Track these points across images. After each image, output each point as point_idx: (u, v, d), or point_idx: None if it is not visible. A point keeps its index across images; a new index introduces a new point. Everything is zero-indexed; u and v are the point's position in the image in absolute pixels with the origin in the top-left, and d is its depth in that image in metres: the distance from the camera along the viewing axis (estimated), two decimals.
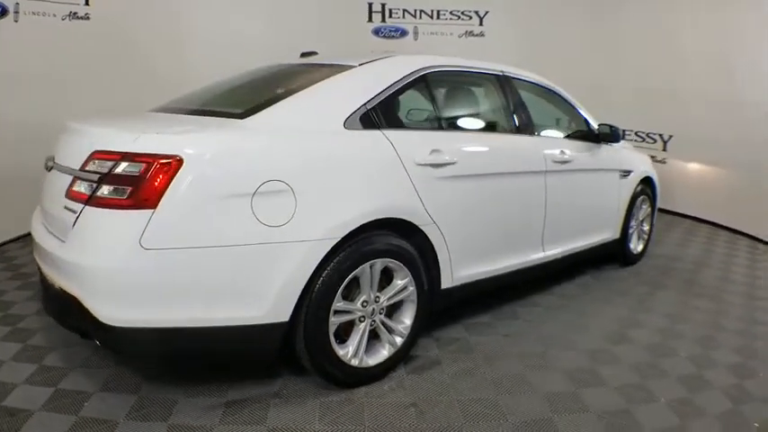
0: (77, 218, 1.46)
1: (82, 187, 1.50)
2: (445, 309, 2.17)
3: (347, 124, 1.72)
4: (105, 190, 1.43)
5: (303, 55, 2.49)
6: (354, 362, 1.72)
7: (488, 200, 2.11)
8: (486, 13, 4.86)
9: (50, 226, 1.68)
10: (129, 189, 1.39)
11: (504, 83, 2.37)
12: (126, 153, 1.42)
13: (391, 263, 1.76)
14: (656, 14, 4.50)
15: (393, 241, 1.75)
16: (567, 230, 2.58)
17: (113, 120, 1.78)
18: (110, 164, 1.44)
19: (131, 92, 3.42)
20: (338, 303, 1.65)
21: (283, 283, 1.51)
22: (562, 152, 2.46)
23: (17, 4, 3.27)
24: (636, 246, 3.23)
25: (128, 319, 1.41)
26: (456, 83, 2.33)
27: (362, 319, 1.74)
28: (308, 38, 3.70)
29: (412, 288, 1.83)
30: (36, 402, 1.62)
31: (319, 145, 1.65)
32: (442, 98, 2.12)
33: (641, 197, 3.15)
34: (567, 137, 2.68)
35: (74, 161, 1.55)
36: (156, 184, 1.38)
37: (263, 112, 1.63)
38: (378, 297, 1.77)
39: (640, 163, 3.17)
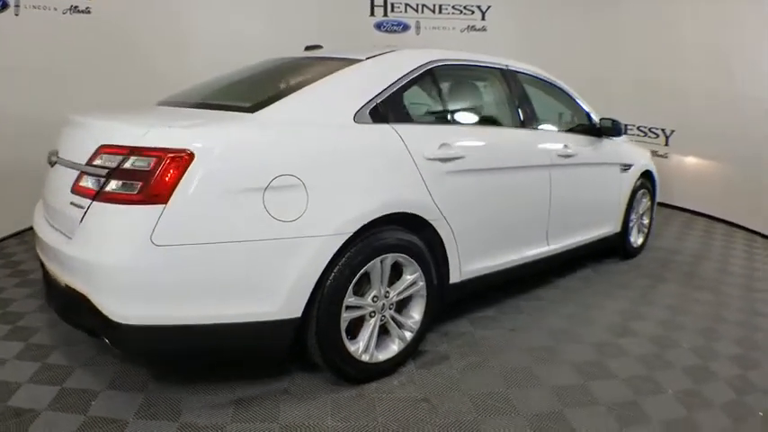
0: (85, 214, 1.43)
1: (89, 182, 1.47)
2: (452, 303, 2.17)
3: (357, 118, 1.70)
4: (114, 185, 1.40)
5: (308, 48, 2.47)
6: (365, 357, 1.71)
7: (495, 194, 2.11)
8: (489, 7, 4.85)
9: (55, 222, 1.65)
10: (140, 184, 1.36)
11: (508, 77, 2.37)
12: (135, 147, 1.39)
13: (401, 258, 1.75)
14: (657, 7, 4.50)
15: (403, 236, 1.74)
16: (571, 224, 2.59)
17: (119, 113, 1.74)
18: (118, 158, 1.40)
19: (132, 86, 3.40)
20: (350, 299, 1.64)
21: (296, 278, 1.49)
22: (566, 146, 2.47)
23: None
24: (636, 239, 3.26)
25: (138, 317, 1.38)
26: (462, 77, 2.32)
27: (373, 314, 1.74)
28: (310, 32, 3.67)
29: (422, 283, 1.83)
30: (42, 402, 1.59)
31: (330, 139, 1.63)
32: (448, 92, 2.11)
33: (641, 191, 3.18)
34: (570, 131, 2.68)
35: (79, 156, 1.52)
36: (167, 178, 1.35)
37: (273, 105, 1.61)
38: (388, 292, 1.76)
39: (640, 157, 3.19)
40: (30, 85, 3.26)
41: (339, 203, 1.56)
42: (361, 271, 1.64)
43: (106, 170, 1.41)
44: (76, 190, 1.49)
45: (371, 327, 1.73)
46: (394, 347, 1.80)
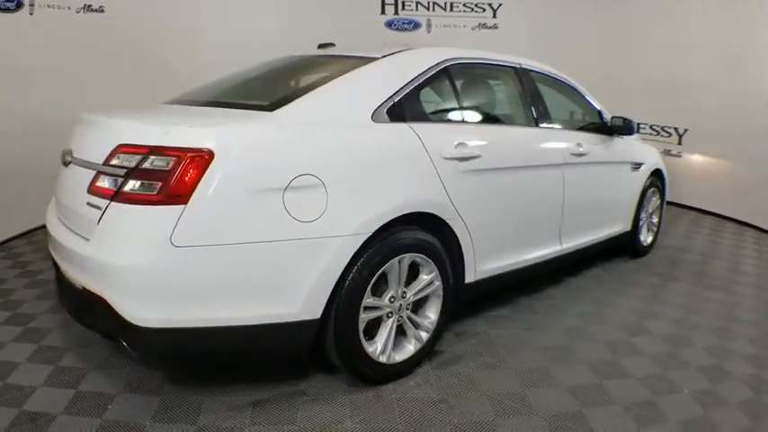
0: (102, 214, 1.42)
1: (106, 182, 1.45)
2: (466, 303, 2.16)
3: (374, 117, 1.69)
4: (133, 185, 1.38)
5: (320, 46, 2.45)
6: (382, 358, 1.70)
7: (510, 193, 2.10)
8: (500, 5, 4.82)
9: (69, 222, 1.63)
10: (159, 184, 1.35)
11: (522, 75, 2.36)
12: (155, 147, 1.37)
13: (419, 257, 1.74)
14: (670, 5, 4.46)
15: (420, 236, 1.73)
16: (583, 223, 2.58)
17: (136, 112, 1.73)
18: (137, 158, 1.39)
19: (145, 84, 3.39)
20: (368, 299, 1.63)
21: (316, 279, 1.48)
22: (578, 145, 2.46)
23: None
24: (646, 238, 3.26)
25: (157, 320, 1.37)
26: (477, 75, 2.31)
27: (390, 314, 1.73)
28: (322, 30, 3.66)
29: (438, 283, 1.82)
30: (57, 406, 1.57)
31: (349, 138, 1.62)
32: (463, 91, 2.09)
33: (651, 189, 3.17)
34: (582, 129, 2.67)
35: (95, 155, 1.50)
36: (187, 178, 1.34)
37: (292, 104, 1.59)
38: (404, 292, 1.75)
39: (650, 155, 3.18)
40: (43, 84, 3.26)
41: (359, 203, 1.55)
42: (380, 271, 1.63)
43: (124, 170, 1.40)
44: (93, 190, 1.47)
45: (389, 327, 1.72)
46: (410, 348, 1.80)
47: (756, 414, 1.70)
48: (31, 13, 3.25)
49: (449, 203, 1.80)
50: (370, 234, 1.56)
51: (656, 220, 3.36)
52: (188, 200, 1.34)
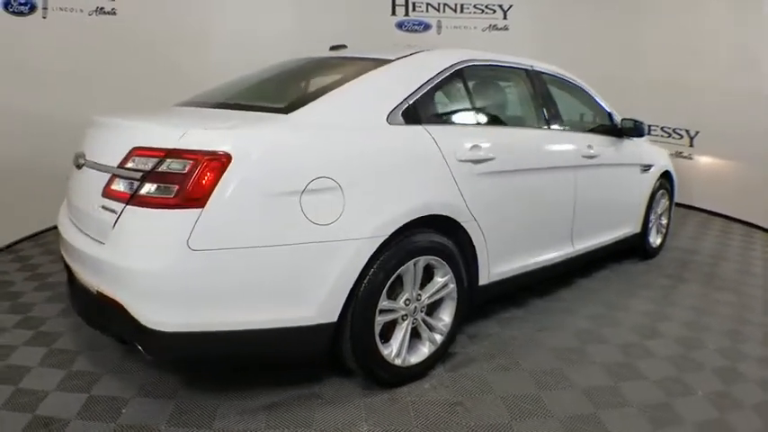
0: (118, 218, 1.41)
1: (121, 185, 1.44)
2: (479, 305, 2.16)
3: (390, 119, 1.69)
4: (149, 188, 1.38)
5: (332, 48, 2.45)
6: (398, 361, 1.70)
7: (523, 195, 2.10)
8: (510, 6, 4.82)
9: (83, 225, 1.63)
10: (176, 187, 1.34)
11: (533, 77, 2.36)
12: (172, 150, 1.37)
13: (434, 260, 1.74)
14: (682, 7, 4.44)
15: (435, 238, 1.73)
16: (594, 225, 2.58)
17: (150, 115, 1.73)
18: (153, 161, 1.39)
19: (157, 86, 3.41)
20: (383, 302, 1.63)
21: (333, 282, 1.48)
22: (589, 147, 2.46)
23: (45, 0, 3.28)
24: (655, 239, 3.25)
25: (174, 324, 1.37)
26: (489, 77, 2.31)
27: (405, 317, 1.73)
28: (332, 31, 3.67)
29: (452, 285, 1.82)
30: (70, 411, 1.56)
31: (366, 141, 1.62)
32: (477, 93, 2.09)
33: (660, 191, 3.16)
34: (592, 131, 2.67)
35: (109, 158, 1.50)
36: (205, 182, 1.34)
37: (307, 106, 1.59)
38: (419, 295, 1.75)
39: (660, 157, 3.18)
40: (55, 87, 3.28)
41: (375, 206, 1.55)
42: (395, 274, 1.63)
43: (140, 173, 1.39)
44: (108, 193, 1.47)
45: (404, 330, 1.72)
46: (425, 350, 1.80)
47: None
48: (44, 17, 3.27)
49: (464, 206, 1.80)
50: (387, 237, 1.56)
51: (665, 221, 3.36)
52: (205, 203, 1.33)
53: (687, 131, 4.61)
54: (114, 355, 1.88)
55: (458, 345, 2.02)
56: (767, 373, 1.95)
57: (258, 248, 1.39)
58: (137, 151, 1.43)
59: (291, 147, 1.47)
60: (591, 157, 2.44)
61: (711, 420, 1.66)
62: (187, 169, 1.35)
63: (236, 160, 1.36)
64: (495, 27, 4.82)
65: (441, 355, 1.86)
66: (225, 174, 1.34)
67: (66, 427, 1.49)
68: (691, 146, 4.60)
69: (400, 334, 1.71)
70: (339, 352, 1.62)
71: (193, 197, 1.33)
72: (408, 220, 1.61)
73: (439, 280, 1.79)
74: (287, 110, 1.59)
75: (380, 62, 1.85)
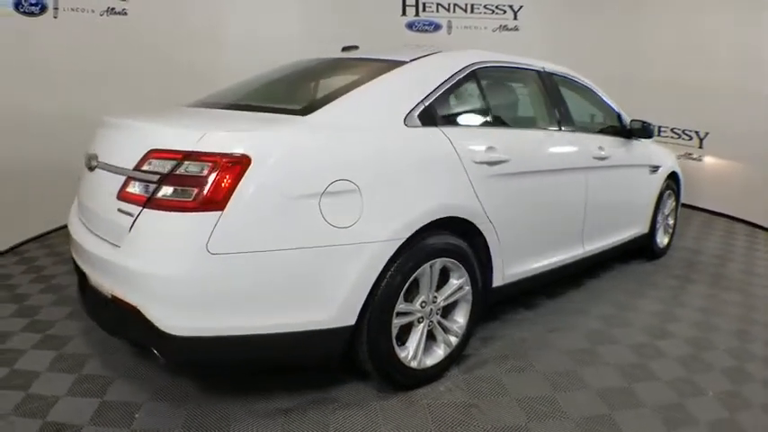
0: (135, 221, 1.40)
1: (137, 188, 1.43)
2: (490, 307, 2.16)
3: (407, 121, 1.68)
4: (167, 191, 1.36)
5: (344, 49, 2.44)
6: (413, 364, 1.70)
7: (536, 197, 2.10)
8: (521, 7, 4.81)
9: (97, 228, 1.61)
10: (195, 190, 1.33)
11: (545, 78, 2.36)
12: (190, 152, 1.35)
13: (450, 262, 1.74)
14: (694, 8, 4.42)
15: (451, 240, 1.73)
16: (605, 226, 2.59)
17: (165, 116, 1.71)
18: (171, 163, 1.37)
19: (168, 87, 3.40)
20: (400, 305, 1.62)
21: (351, 285, 1.47)
22: (600, 148, 2.46)
23: (57, 0, 3.26)
24: (662, 240, 3.27)
25: (192, 328, 1.36)
26: (502, 79, 2.31)
27: (421, 320, 1.72)
28: (342, 32, 3.66)
29: (468, 287, 1.82)
30: (83, 416, 1.54)
31: (383, 142, 1.61)
32: (490, 94, 2.09)
33: (667, 192, 3.18)
34: (602, 132, 2.68)
35: (124, 160, 1.48)
36: (224, 184, 1.32)
37: (325, 108, 1.58)
38: (435, 297, 1.75)
39: (667, 158, 3.19)
40: (65, 87, 3.27)
41: (393, 208, 1.54)
42: (412, 276, 1.62)
43: (157, 176, 1.38)
44: (123, 196, 1.45)
45: (420, 332, 1.72)
46: (440, 353, 1.79)
47: None
48: (55, 17, 3.26)
49: (479, 208, 1.80)
50: (405, 239, 1.55)
51: (671, 222, 3.38)
52: (225, 206, 1.32)
53: (697, 133, 4.59)
54: (126, 358, 1.86)
55: (470, 347, 2.02)
56: None
57: (278, 252, 1.38)
58: (153, 153, 1.41)
59: (310, 149, 1.46)
60: (602, 158, 2.44)
61: (723, 420, 1.67)
62: (206, 172, 1.33)
63: (255, 163, 1.35)
64: (505, 27, 4.81)
65: (455, 358, 1.86)
66: (245, 176, 1.33)
67: None
68: (700, 147, 4.60)
69: (416, 336, 1.71)
70: (356, 355, 1.61)
71: (213, 200, 1.32)
72: (426, 222, 1.60)
73: (454, 282, 1.79)
74: (304, 111, 1.58)
75: (396, 64, 1.84)
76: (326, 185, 1.42)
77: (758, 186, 4.14)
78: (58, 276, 2.67)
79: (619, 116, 2.79)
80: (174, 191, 1.36)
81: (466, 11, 4.78)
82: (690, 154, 4.58)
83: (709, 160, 4.55)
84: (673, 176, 3.23)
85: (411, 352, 1.69)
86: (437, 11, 4.75)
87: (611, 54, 4.65)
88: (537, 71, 2.35)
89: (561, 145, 2.31)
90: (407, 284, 1.62)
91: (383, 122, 1.65)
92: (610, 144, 2.57)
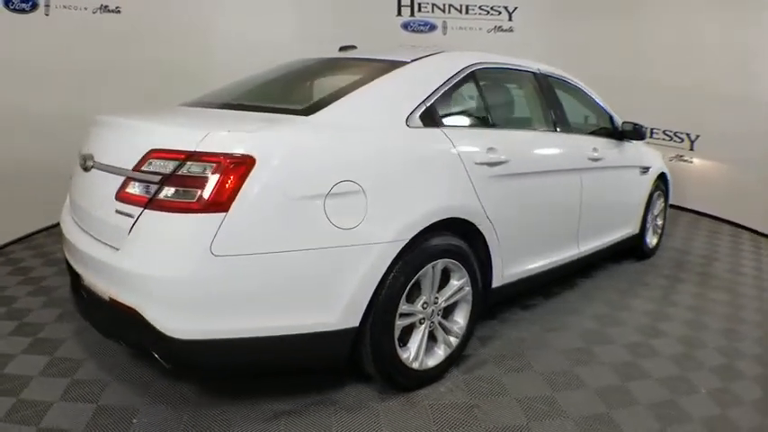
0: (135, 223, 1.37)
1: (137, 189, 1.40)
2: (489, 307, 2.18)
3: (409, 122, 1.68)
4: (169, 192, 1.33)
5: (342, 49, 2.42)
6: (415, 365, 1.70)
7: (534, 198, 2.12)
8: (516, 8, 4.84)
9: (93, 230, 1.57)
10: (198, 191, 1.30)
11: (540, 80, 2.39)
12: (193, 152, 1.33)
13: (451, 263, 1.74)
14: (686, 10, 4.47)
15: (453, 241, 1.73)
16: (598, 226, 2.63)
17: (166, 115, 1.68)
18: (173, 164, 1.34)
19: (161, 86, 3.35)
20: (403, 306, 1.62)
21: (356, 287, 1.47)
22: (594, 149, 2.50)
23: None
24: (651, 240, 3.33)
25: (195, 331, 1.33)
26: (500, 80, 2.32)
27: (422, 321, 1.73)
28: (337, 32, 3.67)
29: (468, 288, 1.83)
30: (78, 422, 1.50)
31: (387, 143, 1.60)
32: (489, 95, 2.10)
33: (657, 192, 3.24)
34: (594, 134, 2.72)
35: (123, 160, 1.44)
36: (228, 185, 1.30)
37: (328, 108, 1.57)
38: (436, 298, 1.75)
39: (655, 159, 3.25)
40: (56, 86, 3.20)
41: (397, 209, 1.54)
42: (415, 277, 1.62)
43: (159, 176, 1.35)
44: (122, 197, 1.42)
45: (421, 334, 1.72)
46: (441, 353, 1.80)
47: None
48: (47, 14, 3.20)
49: (480, 209, 1.81)
50: (408, 240, 1.55)
51: (660, 222, 3.44)
52: (229, 207, 1.30)
53: (688, 135, 4.65)
54: (121, 361, 1.82)
55: (469, 347, 2.02)
56: (762, 371, 2.02)
57: (282, 254, 1.36)
58: (154, 153, 1.38)
59: (314, 149, 1.45)
60: (596, 159, 2.48)
61: (715, 416, 1.71)
62: (210, 172, 1.31)
63: (260, 163, 1.33)
64: (500, 28, 4.84)
65: (455, 358, 1.87)
66: (249, 177, 1.31)
67: None
68: (691, 149, 4.66)
69: (418, 337, 1.71)
70: (359, 357, 1.61)
71: (217, 201, 1.30)
72: (429, 222, 1.60)
73: (455, 283, 1.80)
74: (307, 111, 1.56)
75: (397, 64, 1.83)
76: (331, 186, 1.41)
77: (746, 188, 4.22)
78: (48, 278, 2.60)
79: (611, 118, 2.83)
80: (176, 192, 1.33)
81: (461, 11, 4.80)
82: (681, 156, 4.65)
83: (699, 162, 4.61)
84: (662, 177, 3.29)
85: (413, 353, 1.69)
86: (432, 11, 4.77)
87: (604, 56, 4.70)
88: (533, 72, 2.38)
89: (558, 146, 2.34)
90: (410, 285, 1.62)
91: (386, 123, 1.64)
92: (603, 145, 2.61)
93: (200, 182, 1.31)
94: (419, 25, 4.73)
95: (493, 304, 2.15)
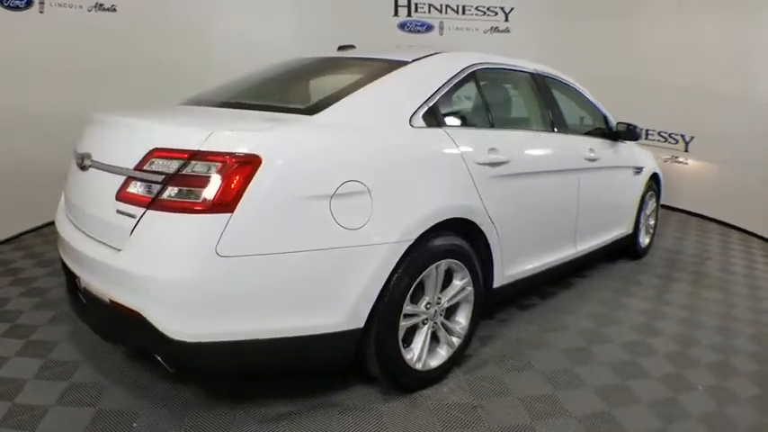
0: (137, 223, 1.34)
1: (139, 189, 1.37)
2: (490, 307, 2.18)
3: (412, 122, 1.68)
4: (173, 192, 1.31)
5: (341, 48, 2.41)
6: (418, 365, 1.70)
7: (534, 198, 2.14)
8: (512, 9, 4.86)
9: (92, 231, 1.53)
10: (203, 191, 1.28)
11: (538, 80, 2.40)
12: (197, 152, 1.31)
13: (454, 263, 1.74)
14: (682, 12, 4.49)
15: (456, 241, 1.73)
16: (594, 226, 2.66)
17: (167, 114, 1.65)
18: (176, 163, 1.32)
19: (157, 84, 3.31)
20: (407, 307, 1.62)
21: (362, 287, 1.46)
22: (591, 150, 2.52)
23: None
24: (644, 240, 3.37)
25: (200, 334, 1.31)
26: (499, 80, 2.33)
27: (426, 321, 1.72)
28: (334, 31, 3.66)
29: (470, 288, 1.83)
30: (76, 427, 1.47)
31: (391, 143, 1.60)
32: (489, 96, 2.10)
33: (649, 193, 3.28)
34: (590, 134, 2.75)
35: (124, 159, 1.41)
36: (233, 185, 1.28)
37: (332, 108, 1.55)
38: (439, 299, 1.75)
39: (648, 160, 3.30)
40: (52, 84, 3.15)
41: (402, 209, 1.53)
42: (419, 278, 1.62)
43: (162, 176, 1.32)
44: (123, 197, 1.39)
45: (424, 334, 1.72)
46: (443, 354, 1.80)
47: (764, 409, 1.79)
48: (41, 11, 3.14)
49: (482, 209, 1.81)
50: (413, 241, 1.55)
51: (652, 222, 3.49)
52: (234, 208, 1.28)
53: (683, 136, 4.67)
54: (118, 363, 1.79)
55: (470, 347, 2.03)
56: (757, 367, 2.06)
57: (289, 254, 1.35)
58: (157, 153, 1.36)
59: (320, 149, 1.44)
60: (592, 159, 2.51)
61: (712, 413, 1.74)
62: (215, 172, 1.29)
63: (266, 163, 1.31)
64: (496, 29, 4.86)
65: (457, 359, 1.87)
66: (255, 177, 1.30)
67: None
68: (686, 151, 4.69)
69: (421, 338, 1.71)
70: (363, 358, 1.60)
71: (223, 202, 1.28)
72: (434, 222, 1.60)
73: (457, 283, 1.80)
74: (311, 111, 1.55)
75: (398, 64, 1.83)
76: (337, 186, 1.40)
77: (739, 188, 4.25)
78: (39, 279, 2.54)
79: (605, 118, 2.86)
80: (180, 191, 1.31)
81: (458, 12, 4.82)
82: (676, 157, 4.68)
83: (694, 163, 4.63)
84: (654, 178, 3.34)
85: (416, 354, 1.69)
86: (429, 12, 4.77)
87: (600, 56, 4.72)
88: (530, 73, 2.39)
89: (556, 146, 2.36)
90: (414, 286, 1.61)
91: (389, 123, 1.64)
92: (599, 146, 2.63)
93: (205, 182, 1.29)
94: (416, 25, 4.74)
95: (494, 304, 2.16)
